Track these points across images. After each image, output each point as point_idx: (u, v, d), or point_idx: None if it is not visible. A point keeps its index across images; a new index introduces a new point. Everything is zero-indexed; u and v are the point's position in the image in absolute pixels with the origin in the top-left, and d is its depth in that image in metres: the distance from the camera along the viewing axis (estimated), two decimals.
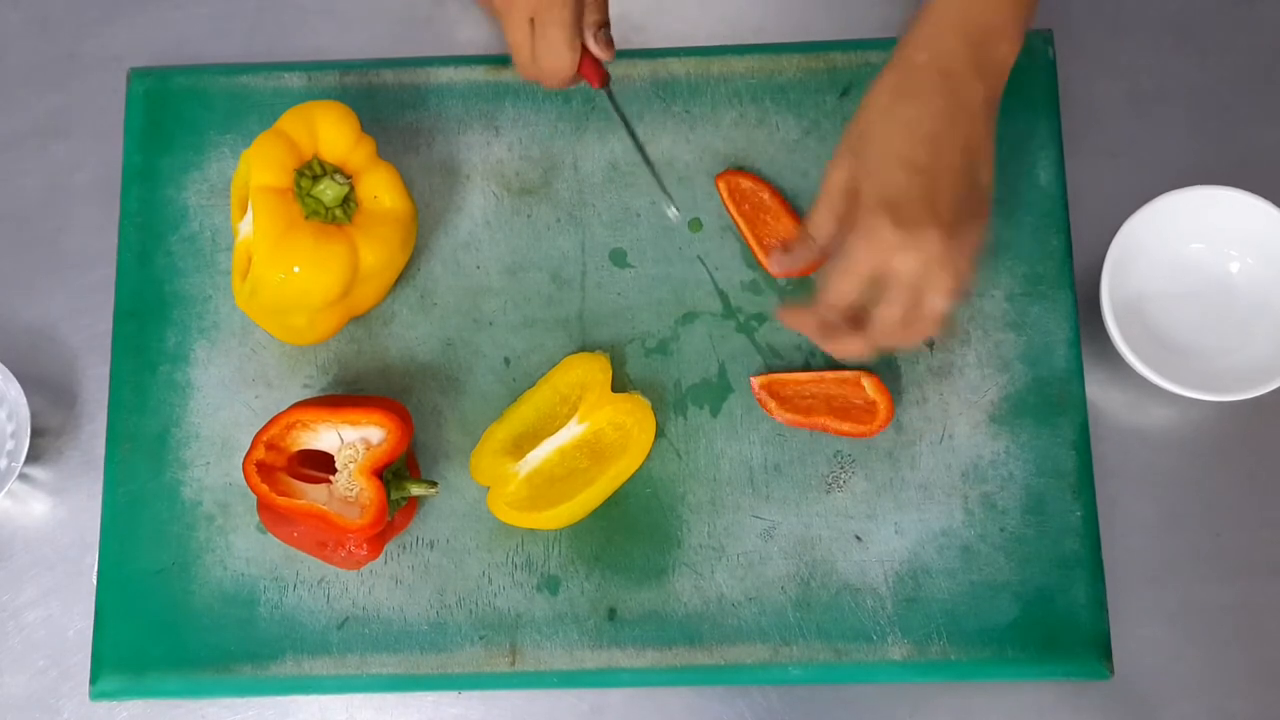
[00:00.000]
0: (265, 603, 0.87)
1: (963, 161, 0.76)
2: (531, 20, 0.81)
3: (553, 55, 0.82)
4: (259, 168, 0.82)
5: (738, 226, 0.90)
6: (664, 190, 0.91)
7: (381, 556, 0.86)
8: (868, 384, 0.87)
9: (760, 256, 0.90)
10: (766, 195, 0.90)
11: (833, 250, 0.79)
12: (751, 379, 0.88)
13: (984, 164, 0.78)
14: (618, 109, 0.89)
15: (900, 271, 0.75)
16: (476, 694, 0.87)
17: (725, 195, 0.91)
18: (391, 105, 0.94)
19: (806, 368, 0.89)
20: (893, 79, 0.78)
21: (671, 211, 0.90)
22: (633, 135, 0.90)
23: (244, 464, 0.82)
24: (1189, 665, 0.86)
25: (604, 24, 0.85)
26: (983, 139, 0.77)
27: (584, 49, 0.84)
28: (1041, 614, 0.85)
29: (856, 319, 0.79)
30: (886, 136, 0.77)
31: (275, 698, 0.87)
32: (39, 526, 0.90)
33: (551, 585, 0.86)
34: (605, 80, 0.87)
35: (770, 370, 0.89)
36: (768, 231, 0.90)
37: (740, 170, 0.91)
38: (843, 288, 0.77)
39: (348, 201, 0.84)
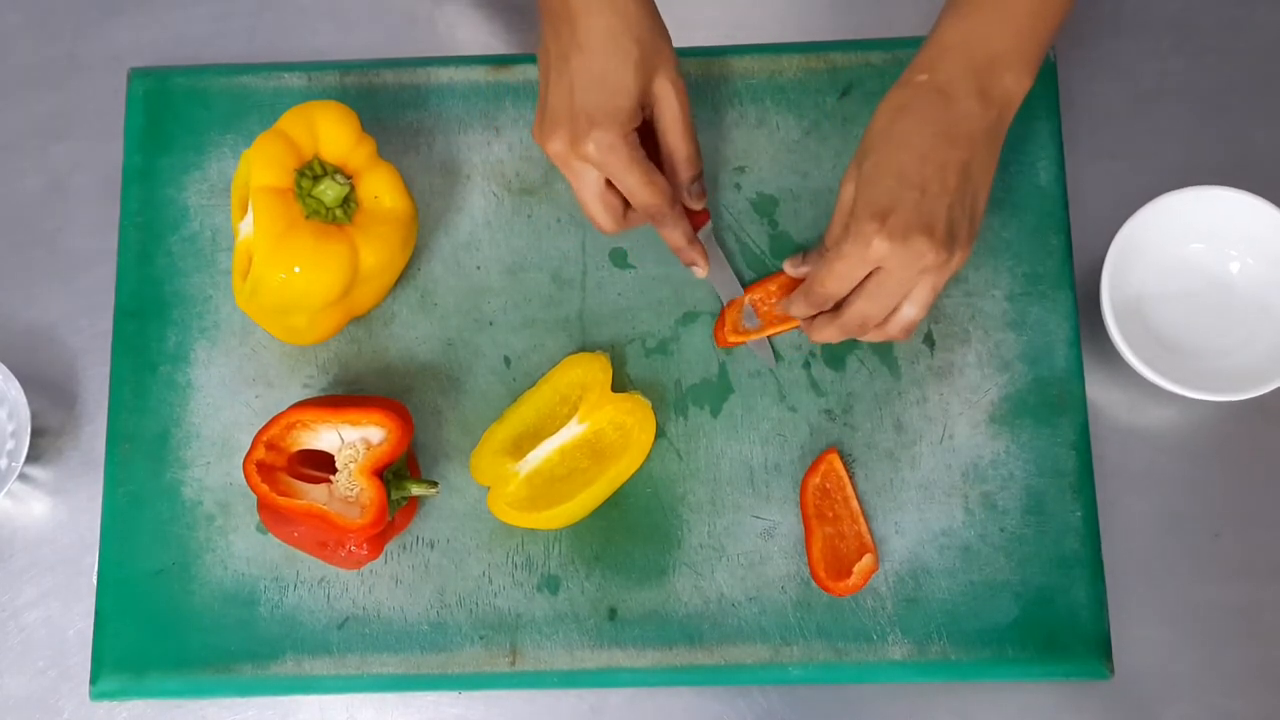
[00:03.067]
0: (265, 603, 0.87)
1: (958, 184, 0.76)
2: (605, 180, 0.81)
3: (641, 195, 0.81)
4: (259, 168, 0.82)
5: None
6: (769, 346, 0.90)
7: (382, 556, 0.86)
8: None
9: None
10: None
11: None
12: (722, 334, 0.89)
13: (980, 192, 0.77)
14: (721, 247, 0.90)
15: (887, 274, 0.76)
16: (476, 694, 0.87)
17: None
18: (391, 105, 0.94)
19: (806, 366, 0.89)
20: (895, 98, 0.78)
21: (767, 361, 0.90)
22: (734, 270, 0.91)
23: (244, 464, 0.81)
24: (1189, 665, 0.86)
25: (697, 177, 0.85)
26: (981, 167, 0.77)
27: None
28: (1041, 614, 0.85)
29: (836, 303, 0.81)
30: (884, 151, 0.76)
31: (275, 698, 0.87)
32: (39, 526, 0.90)
33: (552, 585, 0.86)
34: (705, 220, 0.89)
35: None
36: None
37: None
38: (832, 289, 0.79)
39: (348, 201, 0.84)
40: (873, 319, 0.79)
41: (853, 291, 0.79)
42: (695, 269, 0.88)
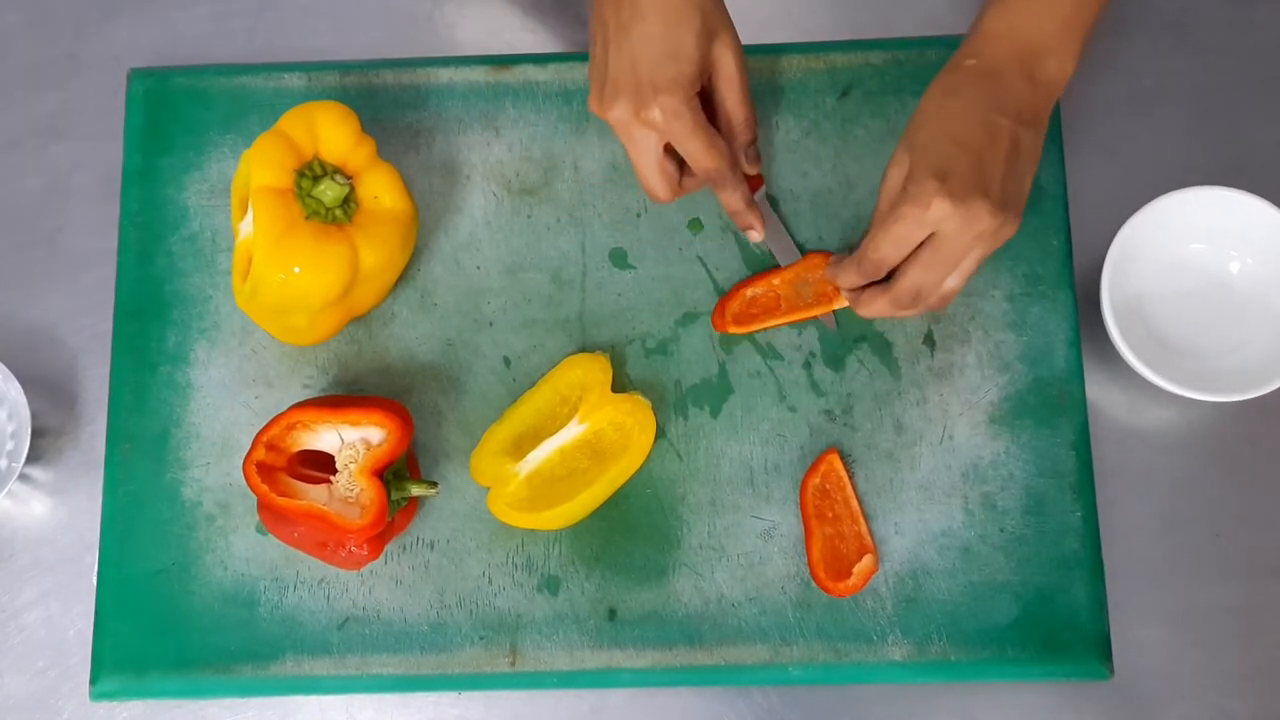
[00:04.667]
0: (265, 603, 0.87)
1: (1010, 152, 0.76)
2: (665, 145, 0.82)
3: (704, 159, 0.82)
4: (259, 168, 0.82)
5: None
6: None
7: (382, 557, 0.86)
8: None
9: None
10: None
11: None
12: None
13: (1028, 168, 0.78)
14: (776, 212, 0.91)
15: (943, 236, 0.76)
16: (476, 694, 0.87)
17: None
18: (391, 105, 0.94)
19: (806, 367, 0.89)
20: (944, 81, 0.79)
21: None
22: (790, 235, 0.91)
23: (244, 464, 0.82)
24: (1189, 665, 0.86)
25: (753, 141, 0.86)
26: (1030, 145, 0.78)
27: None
28: (1041, 614, 0.85)
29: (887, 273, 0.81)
30: (938, 123, 0.77)
31: (275, 698, 0.87)
32: (39, 526, 0.90)
33: (552, 586, 0.87)
34: (759, 184, 0.90)
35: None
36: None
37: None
38: (888, 253, 0.78)
39: (348, 202, 0.84)
40: (928, 289, 0.79)
41: (905, 261, 0.79)
42: (751, 233, 0.88)
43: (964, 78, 0.78)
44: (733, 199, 0.86)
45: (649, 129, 0.80)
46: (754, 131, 0.86)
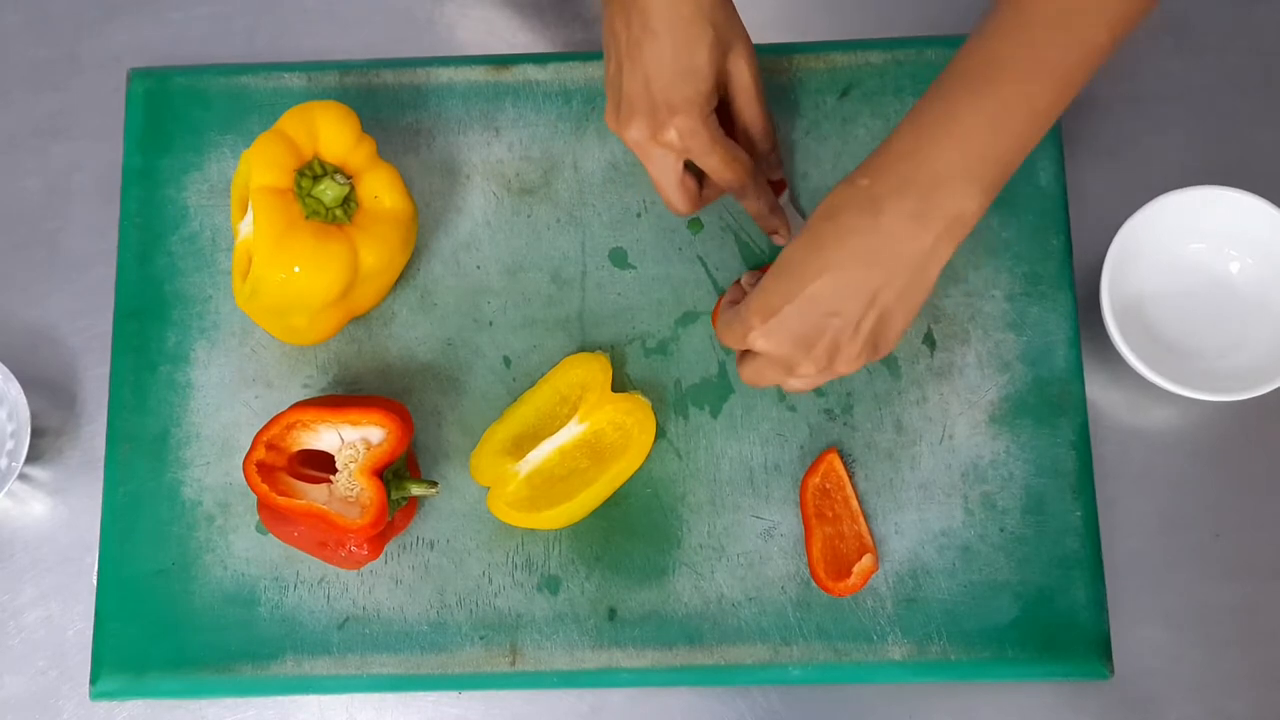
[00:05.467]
0: (265, 603, 0.87)
1: (859, 309, 0.72)
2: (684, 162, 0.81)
3: (726, 173, 0.81)
4: (259, 168, 0.82)
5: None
6: None
7: (381, 556, 0.86)
8: None
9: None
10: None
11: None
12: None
13: (892, 316, 0.73)
14: (799, 211, 0.91)
15: (763, 365, 0.77)
16: (476, 694, 0.87)
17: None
18: (391, 105, 0.94)
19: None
20: (835, 197, 0.73)
21: None
22: None
23: (244, 464, 0.82)
24: (1189, 665, 0.86)
25: (774, 147, 0.86)
26: (900, 291, 0.72)
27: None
28: (1041, 614, 0.85)
29: None
30: (802, 249, 0.73)
31: (275, 698, 0.87)
32: (39, 526, 0.90)
33: (551, 585, 0.87)
34: (782, 189, 0.90)
35: None
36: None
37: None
38: (725, 339, 0.78)
39: (348, 202, 0.84)
40: (766, 383, 0.79)
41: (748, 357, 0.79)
42: (777, 237, 0.89)
43: (848, 200, 0.72)
44: (758, 206, 0.86)
45: (667, 149, 0.80)
46: (773, 139, 0.86)
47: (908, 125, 0.72)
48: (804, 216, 0.91)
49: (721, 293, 0.90)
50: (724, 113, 0.83)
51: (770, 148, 0.86)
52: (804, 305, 0.73)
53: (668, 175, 0.82)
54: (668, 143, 0.79)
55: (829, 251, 0.72)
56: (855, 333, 0.73)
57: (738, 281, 0.86)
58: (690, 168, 0.83)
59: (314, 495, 0.82)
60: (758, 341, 0.75)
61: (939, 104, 0.72)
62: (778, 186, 0.90)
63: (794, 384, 0.78)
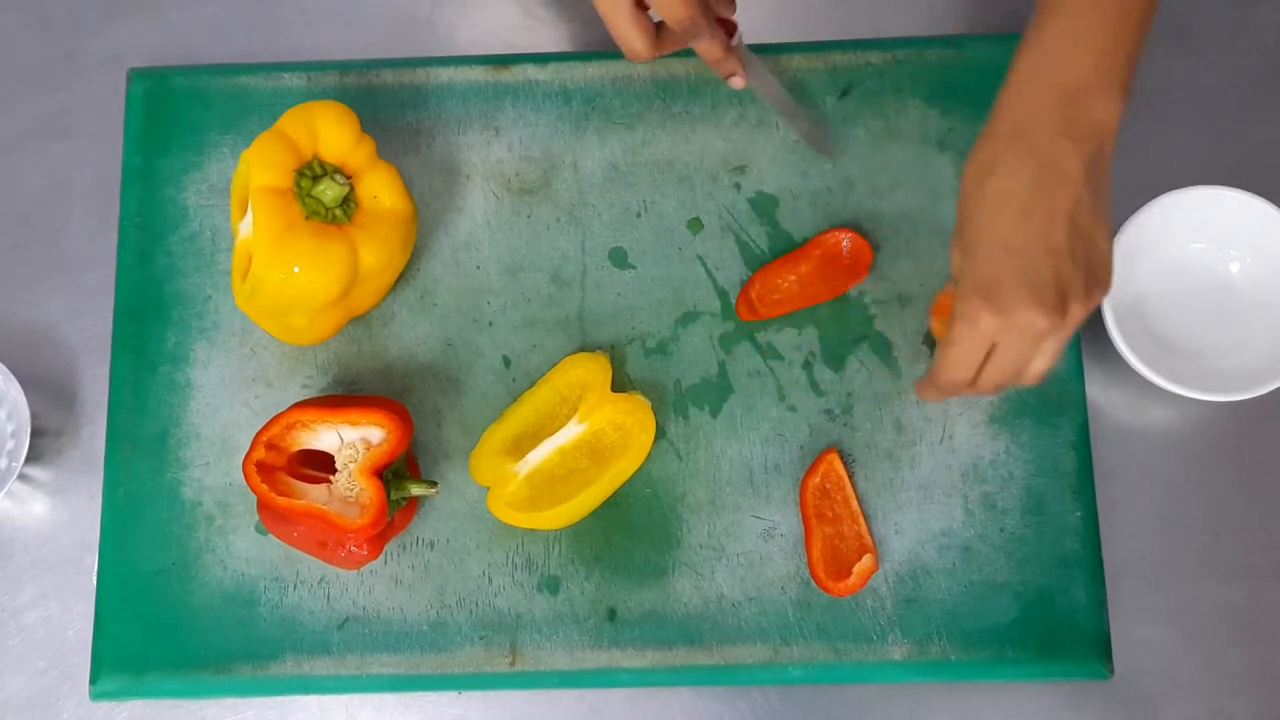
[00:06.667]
0: (265, 603, 0.87)
1: (1064, 237, 0.71)
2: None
3: (676, 8, 0.78)
4: (259, 168, 0.82)
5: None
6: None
7: (381, 557, 0.86)
8: (846, 241, 0.90)
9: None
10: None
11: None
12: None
13: (1096, 233, 0.72)
14: (748, 58, 0.88)
15: (1003, 350, 0.73)
16: (476, 694, 0.87)
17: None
18: (391, 105, 0.94)
19: (806, 367, 0.89)
20: (980, 153, 0.73)
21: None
22: (775, 76, 0.89)
23: (244, 464, 0.82)
24: (1189, 665, 0.86)
25: None
26: (1089, 206, 0.71)
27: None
28: (1041, 614, 0.85)
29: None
30: (979, 217, 0.72)
31: (275, 698, 0.87)
32: (39, 527, 0.90)
33: (551, 585, 0.87)
34: (733, 30, 0.87)
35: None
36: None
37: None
38: (955, 376, 0.75)
39: (348, 201, 0.84)
40: (1008, 382, 0.75)
41: (982, 366, 0.74)
42: (734, 80, 0.87)
43: (997, 148, 0.72)
44: (710, 48, 0.84)
45: None
46: None
47: (1024, 51, 0.72)
48: (760, 56, 0.89)
49: (722, 293, 0.90)
50: None
51: None
52: (1020, 258, 0.70)
53: (621, 10, 0.80)
54: None
55: (1009, 203, 0.71)
56: (1074, 262, 0.71)
57: (768, 265, 0.88)
58: (644, 10, 0.81)
59: (314, 495, 0.82)
60: (991, 322, 0.71)
61: (1051, 22, 0.72)
62: (729, 27, 0.87)
63: (1038, 363, 0.73)
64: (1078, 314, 0.72)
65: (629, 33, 0.81)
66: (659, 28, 0.83)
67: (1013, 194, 0.71)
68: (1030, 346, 0.72)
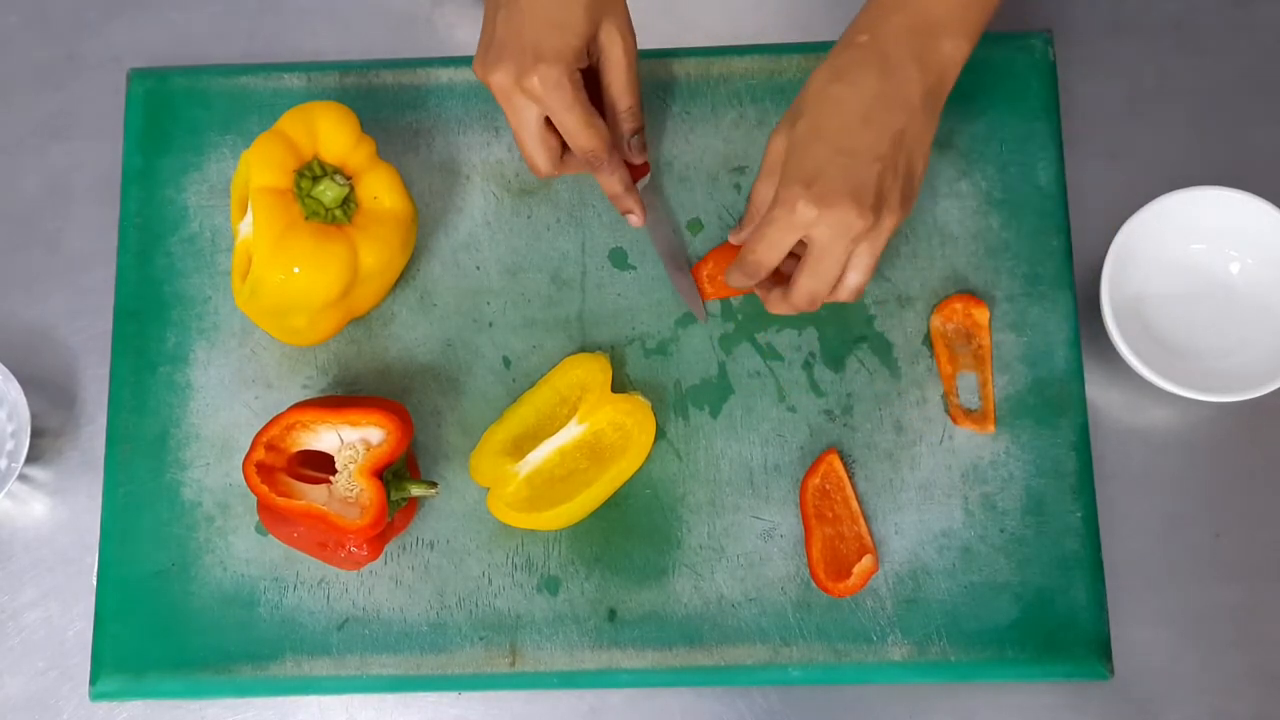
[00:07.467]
0: (265, 603, 0.87)
1: (891, 149, 0.75)
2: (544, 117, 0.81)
3: (580, 137, 0.81)
4: (259, 168, 0.82)
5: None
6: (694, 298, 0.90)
7: (381, 557, 0.86)
8: None
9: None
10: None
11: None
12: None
13: (917, 157, 0.77)
14: (663, 199, 0.91)
15: (816, 242, 0.76)
16: (476, 694, 0.87)
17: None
18: (391, 105, 0.94)
19: (806, 367, 0.89)
20: (834, 60, 0.77)
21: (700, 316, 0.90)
22: (674, 226, 0.91)
23: (244, 464, 0.82)
24: (1189, 666, 0.86)
25: (638, 130, 0.86)
26: (918, 132, 0.77)
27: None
28: (1041, 615, 0.85)
29: (785, 277, 0.81)
30: (817, 113, 0.76)
31: (275, 698, 0.87)
32: (39, 527, 0.90)
33: (551, 586, 0.87)
34: (644, 173, 0.89)
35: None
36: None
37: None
38: (763, 257, 0.78)
39: (348, 202, 0.84)
40: (820, 293, 0.79)
41: (797, 270, 0.79)
42: (630, 217, 0.88)
43: (853, 58, 0.77)
44: (610, 182, 0.86)
45: (528, 98, 0.80)
46: (639, 121, 0.85)
47: None
48: (667, 204, 0.91)
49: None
50: (597, 88, 0.84)
51: (634, 129, 0.85)
52: (847, 158, 0.75)
53: (528, 126, 0.82)
54: (530, 89, 0.79)
55: (850, 108, 0.75)
56: (895, 174, 0.76)
57: (724, 244, 0.87)
58: (553, 129, 0.83)
59: (314, 496, 0.82)
60: (808, 212, 0.75)
61: None
62: (639, 170, 0.89)
63: (852, 277, 0.78)
64: (888, 223, 0.76)
65: (535, 149, 0.83)
66: (565, 149, 0.84)
67: (856, 101, 0.76)
68: (843, 247, 0.76)
